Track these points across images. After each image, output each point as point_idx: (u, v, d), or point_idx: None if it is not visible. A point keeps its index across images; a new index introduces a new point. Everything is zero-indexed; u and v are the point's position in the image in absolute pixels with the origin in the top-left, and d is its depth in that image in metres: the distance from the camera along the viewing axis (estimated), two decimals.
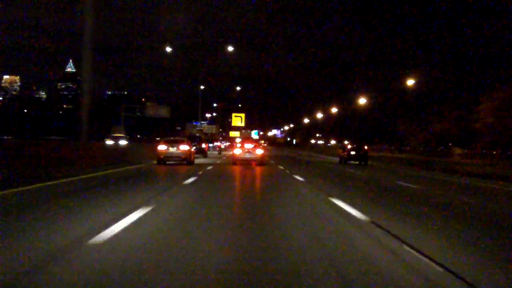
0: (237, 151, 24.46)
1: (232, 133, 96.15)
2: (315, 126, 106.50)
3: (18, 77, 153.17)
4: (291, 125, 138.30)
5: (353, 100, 70.77)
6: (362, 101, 59.37)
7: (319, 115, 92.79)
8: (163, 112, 50.72)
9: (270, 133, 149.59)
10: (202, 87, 59.99)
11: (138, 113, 52.19)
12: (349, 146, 33.87)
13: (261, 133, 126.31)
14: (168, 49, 39.60)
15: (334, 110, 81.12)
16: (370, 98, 60.48)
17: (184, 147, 22.89)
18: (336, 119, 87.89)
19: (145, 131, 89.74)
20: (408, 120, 60.23)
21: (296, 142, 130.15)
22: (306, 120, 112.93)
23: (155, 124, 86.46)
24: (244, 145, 25.06)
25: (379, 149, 77.81)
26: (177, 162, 22.74)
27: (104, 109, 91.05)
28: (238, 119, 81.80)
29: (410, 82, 43.01)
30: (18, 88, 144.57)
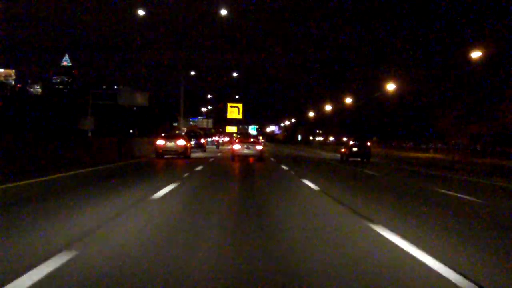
0: (236, 147, 24.11)
1: (229, 128, 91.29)
2: (321, 121, 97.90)
3: (13, 70, 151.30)
4: (293, 120, 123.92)
5: (374, 90, 58.32)
6: (391, 87, 40.50)
7: (322, 111, 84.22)
8: (140, 99, 39.27)
9: (268, 129, 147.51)
10: (192, 72, 50.67)
11: (107, 101, 40.57)
12: (350, 142, 32.40)
13: (259, 128, 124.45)
14: (141, 12, 34.46)
15: (339, 104, 69.50)
16: (398, 86, 41.82)
17: (181, 142, 24.67)
18: (350, 114, 78.79)
19: (123, 125, 68.65)
20: (455, 111, 41.18)
21: (302, 139, 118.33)
22: (311, 114, 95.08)
23: (152, 119, 76.12)
24: (243, 140, 24.90)
25: (414, 147, 66.91)
26: (175, 156, 24.41)
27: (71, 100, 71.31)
28: (234, 110, 70.54)
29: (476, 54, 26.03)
30: (13, 82, 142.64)
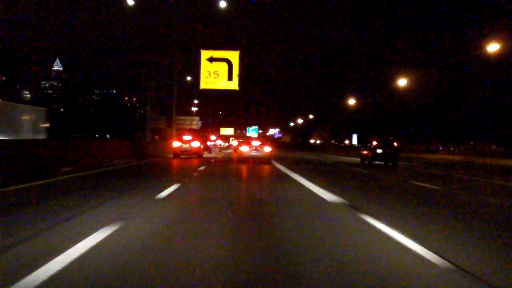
0: (244, 148, 23.35)
1: (224, 130, 78.60)
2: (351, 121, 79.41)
3: (4, 78, 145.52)
4: (311, 116, 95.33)
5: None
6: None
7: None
8: None
9: (268, 133, 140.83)
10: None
11: None
12: (374, 143, 26.82)
13: (260, 131, 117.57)
14: (131, 2, 28.59)
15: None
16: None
17: (195, 144, 27.07)
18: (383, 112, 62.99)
19: None
20: None
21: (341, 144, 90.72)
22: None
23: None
24: (251, 142, 24.21)
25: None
26: (189, 156, 27.12)
27: None
28: (218, 69, 29.79)
29: None
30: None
